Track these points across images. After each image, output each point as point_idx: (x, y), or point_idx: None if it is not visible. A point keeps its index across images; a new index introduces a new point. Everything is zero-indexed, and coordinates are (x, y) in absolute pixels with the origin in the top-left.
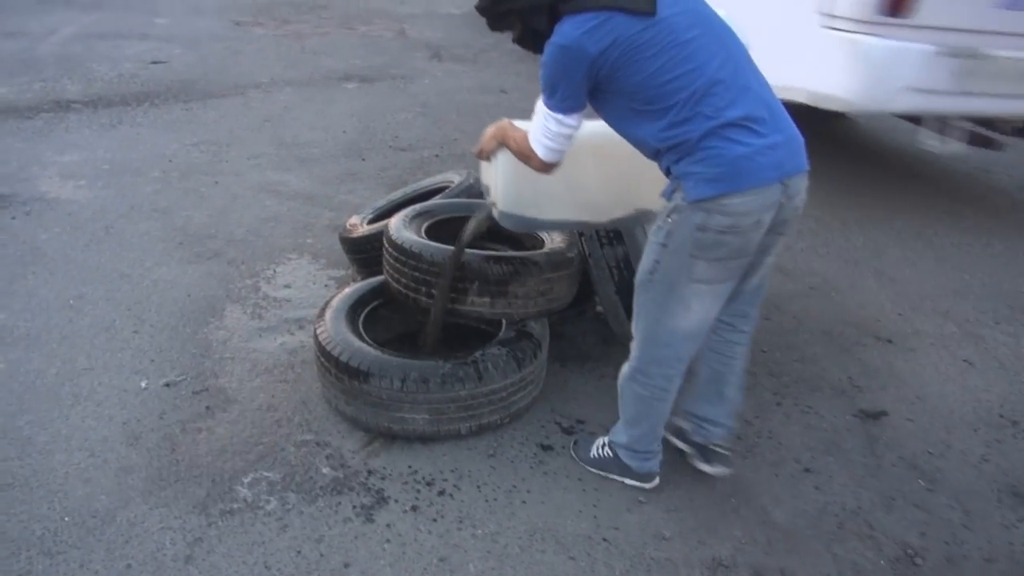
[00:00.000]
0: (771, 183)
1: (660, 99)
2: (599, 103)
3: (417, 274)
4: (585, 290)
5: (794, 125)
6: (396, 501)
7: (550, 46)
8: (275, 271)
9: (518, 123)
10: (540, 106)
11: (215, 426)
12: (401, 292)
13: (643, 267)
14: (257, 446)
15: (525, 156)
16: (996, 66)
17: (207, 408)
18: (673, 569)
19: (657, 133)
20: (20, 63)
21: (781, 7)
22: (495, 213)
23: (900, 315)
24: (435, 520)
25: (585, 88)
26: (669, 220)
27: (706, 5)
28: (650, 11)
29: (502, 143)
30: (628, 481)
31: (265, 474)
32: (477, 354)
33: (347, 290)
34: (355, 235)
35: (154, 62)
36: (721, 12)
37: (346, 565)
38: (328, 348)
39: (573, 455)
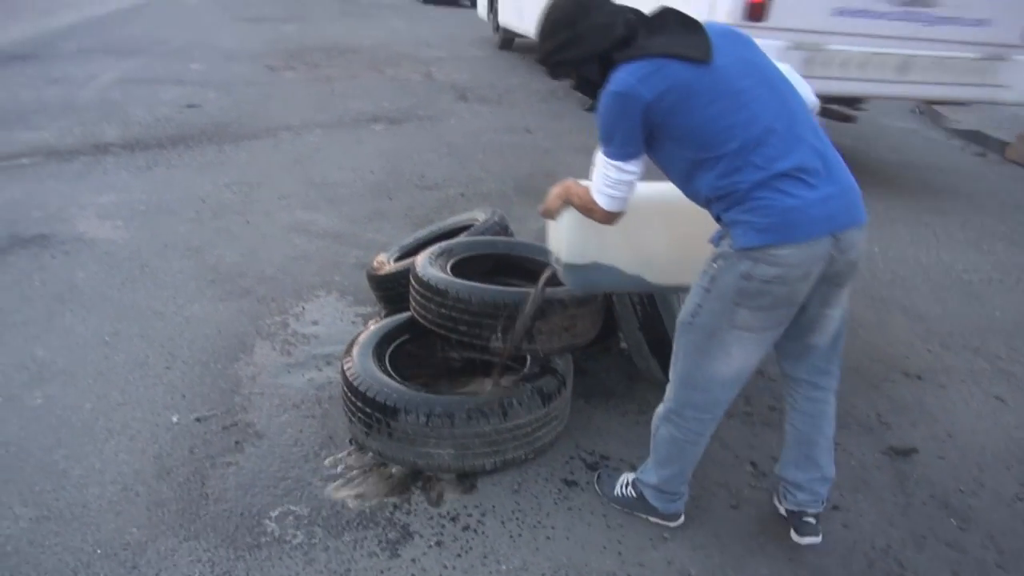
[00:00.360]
0: (821, 236)
1: (712, 146)
2: (655, 151)
3: (443, 310)
4: (610, 326)
5: (851, 177)
6: (421, 536)
7: (605, 94)
8: (304, 308)
9: (583, 182)
10: (599, 156)
11: (244, 461)
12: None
13: (686, 309)
14: (284, 480)
15: (588, 209)
16: (832, 57)
17: (236, 443)
18: None
19: (710, 182)
20: (62, 108)
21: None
22: (559, 271)
23: (929, 351)
24: (460, 555)
25: (641, 134)
26: (715, 265)
27: (763, 56)
28: (705, 59)
29: (566, 201)
30: (652, 519)
31: (292, 508)
32: (503, 391)
33: (374, 327)
34: (382, 273)
35: (189, 106)
36: (783, 67)
37: None
38: (355, 384)
39: (597, 490)
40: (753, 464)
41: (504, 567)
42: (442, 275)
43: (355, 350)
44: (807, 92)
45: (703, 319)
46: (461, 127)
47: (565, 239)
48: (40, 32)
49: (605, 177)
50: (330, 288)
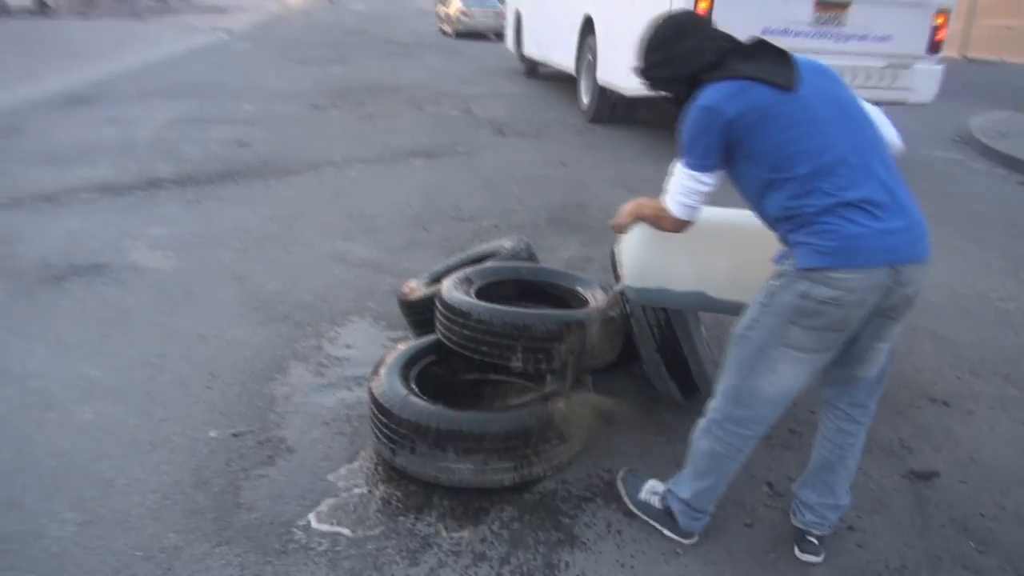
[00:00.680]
0: (880, 266)
1: (784, 168)
2: (732, 167)
3: (466, 331)
4: (632, 351)
5: (919, 215)
6: (440, 547)
7: (692, 108)
8: (338, 332)
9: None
10: (677, 166)
11: (276, 473)
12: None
13: (742, 323)
14: (313, 492)
15: (659, 216)
16: None
17: (269, 457)
18: None
19: (779, 202)
20: (119, 147)
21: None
22: (624, 284)
23: (959, 378)
24: (477, 565)
25: (720, 149)
26: (775, 283)
27: (847, 92)
28: (789, 87)
29: (637, 216)
30: (667, 533)
31: (319, 517)
32: (522, 408)
33: (401, 348)
34: (412, 298)
35: (238, 143)
36: (872, 108)
37: None
38: (381, 401)
39: (620, 489)
40: (770, 484)
41: None
42: (466, 298)
43: (382, 370)
44: (892, 135)
45: (757, 334)
46: (497, 161)
47: (630, 258)
48: (102, 76)
49: (681, 185)
50: (364, 314)
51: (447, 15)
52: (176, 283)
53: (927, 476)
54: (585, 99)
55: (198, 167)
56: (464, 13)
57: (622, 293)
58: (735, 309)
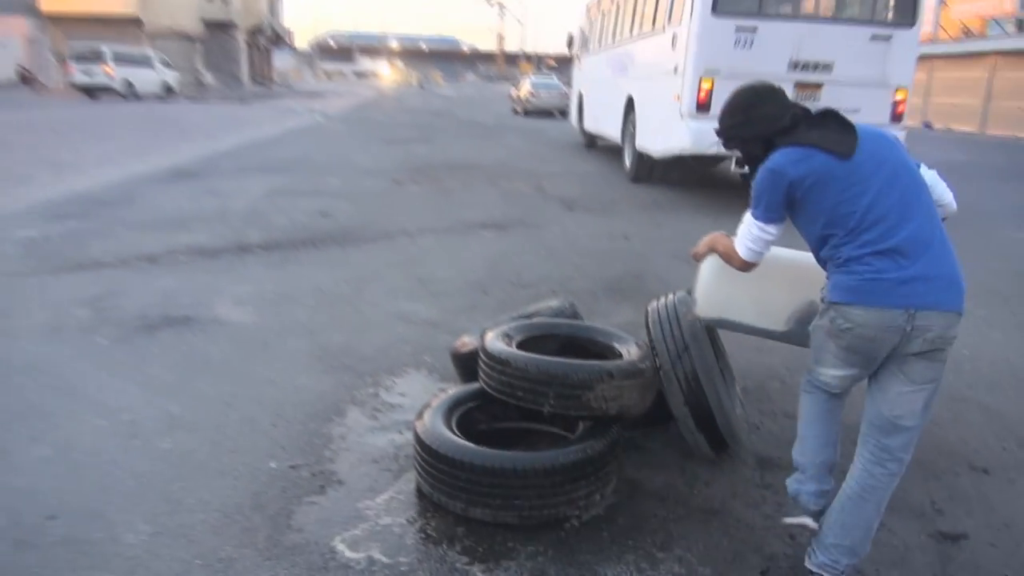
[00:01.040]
0: (893, 308)
1: (834, 224)
2: (794, 218)
3: (504, 378)
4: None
5: (949, 268)
6: (466, 573)
7: (762, 169)
8: (394, 382)
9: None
10: (747, 216)
11: (325, 501)
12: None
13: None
14: (357, 519)
15: (729, 256)
16: None
17: (320, 487)
18: None
19: (825, 249)
20: (216, 216)
21: (669, 110)
22: (695, 306)
23: (1004, 449)
24: None
25: (783, 205)
26: (821, 308)
27: (899, 155)
28: (847, 154)
29: (712, 248)
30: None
31: (361, 540)
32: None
33: (446, 394)
34: (463, 351)
35: (322, 214)
36: (929, 173)
37: None
38: (423, 439)
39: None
40: (791, 536)
41: None
42: (506, 348)
43: (426, 412)
44: (946, 197)
45: (814, 341)
46: (562, 233)
47: (702, 285)
48: (206, 154)
49: (749, 233)
50: (420, 366)
51: (518, 97)
52: (254, 335)
53: (955, 537)
54: (628, 162)
55: (284, 234)
56: (533, 94)
57: (653, 347)
58: (796, 339)
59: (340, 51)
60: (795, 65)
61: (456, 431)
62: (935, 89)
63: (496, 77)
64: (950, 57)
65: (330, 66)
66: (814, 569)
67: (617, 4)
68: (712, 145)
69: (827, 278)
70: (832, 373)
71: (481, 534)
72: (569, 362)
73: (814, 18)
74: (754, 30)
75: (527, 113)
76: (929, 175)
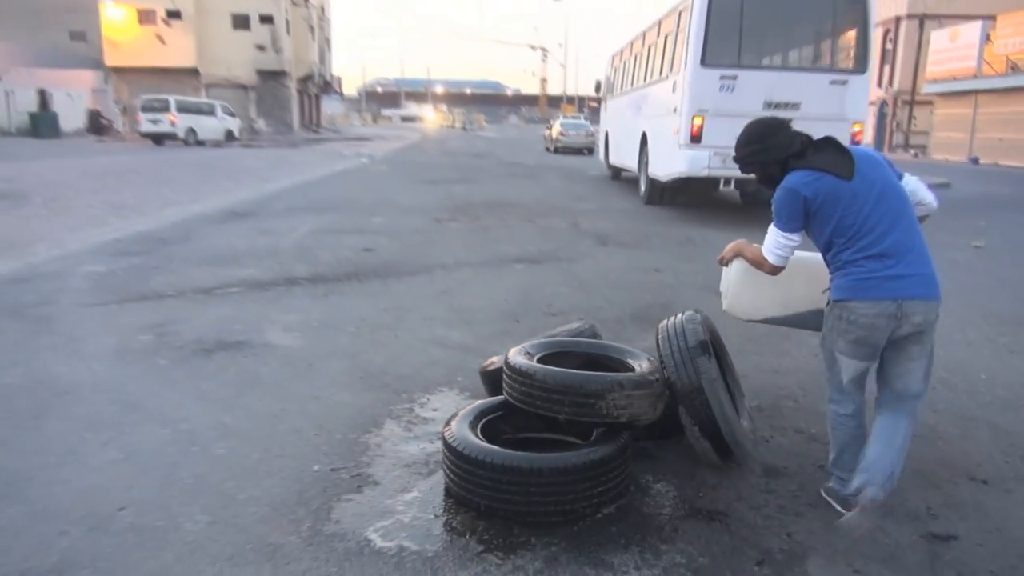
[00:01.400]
0: (883, 299)
1: (838, 235)
2: (809, 229)
3: (524, 388)
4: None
5: (926, 266)
6: (488, 561)
7: (781, 188)
8: (428, 399)
9: (754, 245)
10: (772, 228)
11: (361, 499)
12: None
13: (822, 333)
14: (389, 513)
15: (759, 262)
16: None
17: (358, 487)
18: None
19: (829, 254)
20: (267, 252)
21: (671, 142)
22: (724, 303)
23: (1006, 462)
24: (523, 569)
25: (801, 216)
26: (827, 308)
27: (885, 173)
28: (849, 177)
29: (739, 254)
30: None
31: (392, 531)
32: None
33: (472, 405)
34: (490, 369)
35: (365, 250)
36: (912, 179)
37: None
38: (450, 442)
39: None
40: (788, 535)
41: None
42: (527, 361)
43: (454, 421)
44: (927, 196)
45: (825, 341)
46: (595, 266)
47: (731, 286)
48: (258, 196)
49: (775, 242)
50: (452, 385)
51: (550, 136)
52: (300, 358)
53: (945, 538)
54: (642, 188)
55: (329, 268)
56: (563, 134)
57: (662, 360)
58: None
59: (386, 96)
60: (769, 104)
61: (479, 435)
62: (981, 124)
63: (538, 119)
64: (996, 92)
65: (376, 111)
66: (851, 493)
67: (634, 55)
68: (703, 169)
69: (830, 282)
70: (847, 362)
71: (500, 528)
72: (583, 373)
73: (784, 68)
74: (735, 77)
75: (556, 151)
76: (912, 180)
